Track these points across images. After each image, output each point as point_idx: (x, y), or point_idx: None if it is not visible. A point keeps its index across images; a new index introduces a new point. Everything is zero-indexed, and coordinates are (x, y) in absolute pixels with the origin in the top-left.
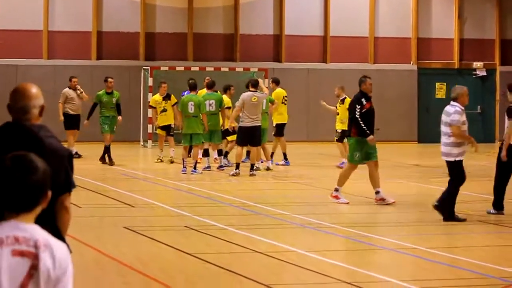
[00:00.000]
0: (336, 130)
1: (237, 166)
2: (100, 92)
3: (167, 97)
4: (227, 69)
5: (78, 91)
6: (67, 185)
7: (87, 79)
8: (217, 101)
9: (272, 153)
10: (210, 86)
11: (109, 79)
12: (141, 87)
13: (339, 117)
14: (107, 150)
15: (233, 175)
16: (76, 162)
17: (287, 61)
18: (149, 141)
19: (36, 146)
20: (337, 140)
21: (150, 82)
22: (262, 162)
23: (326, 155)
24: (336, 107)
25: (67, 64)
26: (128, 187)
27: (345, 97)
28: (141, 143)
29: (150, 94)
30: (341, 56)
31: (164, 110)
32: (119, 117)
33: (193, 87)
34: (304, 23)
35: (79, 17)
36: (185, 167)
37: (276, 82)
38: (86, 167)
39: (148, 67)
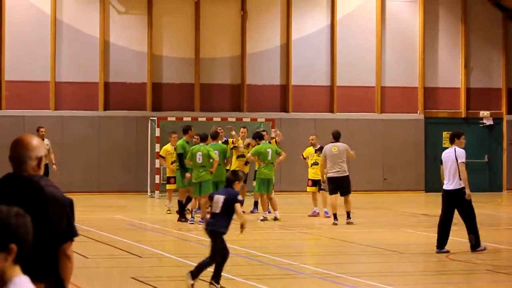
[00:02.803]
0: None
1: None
2: (182, 142)
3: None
4: (234, 119)
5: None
6: (69, 233)
7: (94, 129)
8: (221, 152)
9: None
10: (214, 137)
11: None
12: (148, 137)
13: (318, 167)
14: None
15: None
16: (80, 212)
17: (294, 111)
18: (157, 192)
19: (37, 196)
20: (320, 189)
21: (157, 132)
22: (269, 212)
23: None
24: (308, 157)
25: (74, 115)
26: (135, 238)
27: (321, 146)
28: (149, 193)
29: (157, 145)
30: (348, 106)
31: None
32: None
33: (204, 138)
34: (310, 73)
35: (86, 68)
36: (193, 217)
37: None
38: (91, 217)
39: (155, 118)
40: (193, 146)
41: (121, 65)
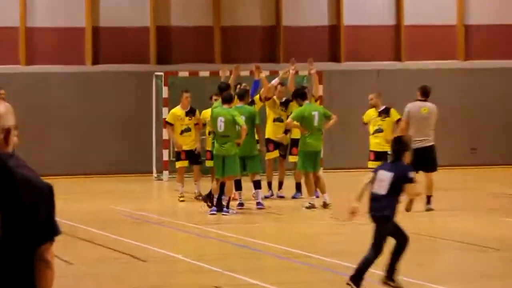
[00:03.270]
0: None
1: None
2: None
3: (191, 112)
4: (267, 73)
5: None
6: (49, 231)
7: (79, 91)
8: (249, 117)
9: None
10: (242, 96)
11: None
12: (153, 100)
13: (383, 134)
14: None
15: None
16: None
17: (347, 60)
18: (165, 172)
19: (4, 180)
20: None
21: (165, 92)
22: (317, 196)
23: None
24: (369, 122)
25: (52, 71)
26: (137, 235)
27: (387, 107)
28: (155, 175)
29: (165, 109)
30: (420, 52)
31: (188, 130)
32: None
33: (228, 99)
34: (369, 9)
35: (68, 9)
36: (215, 206)
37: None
38: (77, 208)
39: (162, 73)
40: (213, 109)
41: (114, 4)
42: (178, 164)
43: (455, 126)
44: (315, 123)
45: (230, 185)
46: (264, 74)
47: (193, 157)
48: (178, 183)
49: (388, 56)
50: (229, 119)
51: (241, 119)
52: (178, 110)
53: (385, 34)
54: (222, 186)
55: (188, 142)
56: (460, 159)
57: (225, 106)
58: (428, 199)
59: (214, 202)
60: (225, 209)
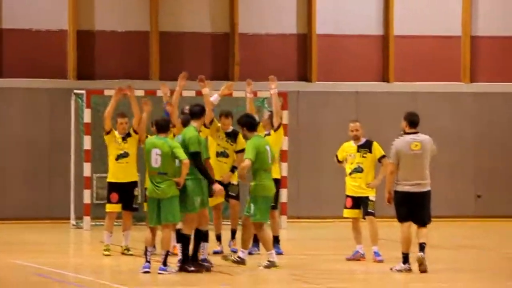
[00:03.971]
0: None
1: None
2: (194, 132)
3: (127, 135)
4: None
5: None
6: None
7: None
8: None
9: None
10: (185, 122)
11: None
12: (71, 125)
13: (363, 175)
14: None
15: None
16: None
17: (320, 80)
18: (86, 218)
19: None
20: (367, 214)
21: (87, 116)
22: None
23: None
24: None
25: None
26: None
27: (368, 141)
28: (73, 221)
29: (86, 138)
30: (412, 71)
31: (125, 155)
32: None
33: (164, 127)
34: (348, 15)
35: None
36: (149, 262)
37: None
38: None
39: (83, 91)
40: (147, 140)
41: (22, 1)
42: (109, 208)
43: (456, 165)
44: (269, 160)
45: (167, 235)
46: (208, 89)
47: (128, 199)
48: (105, 231)
49: (371, 74)
50: (166, 152)
51: (182, 152)
52: (114, 132)
53: (369, 46)
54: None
55: (123, 172)
56: (463, 207)
57: (161, 135)
58: (422, 247)
59: (148, 257)
60: (161, 266)
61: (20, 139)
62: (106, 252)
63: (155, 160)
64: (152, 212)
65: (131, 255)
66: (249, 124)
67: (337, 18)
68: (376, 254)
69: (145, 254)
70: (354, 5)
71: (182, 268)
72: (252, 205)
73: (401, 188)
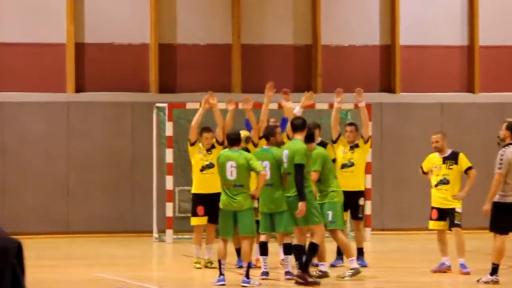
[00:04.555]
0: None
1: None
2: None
3: (212, 147)
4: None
5: None
6: None
7: (58, 125)
8: (278, 161)
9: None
10: (269, 135)
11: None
12: (153, 138)
13: (450, 187)
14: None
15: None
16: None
17: (404, 91)
18: (169, 232)
19: None
20: (454, 225)
21: (169, 130)
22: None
23: None
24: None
25: (21, 100)
26: None
27: (454, 152)
28: (155, 235)
29: (168, 151)
30: (499, 80)
31: (210, 166)
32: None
33: (235, 141)
34: (432, 26)
35: (43, 20)
36: (223, 274)
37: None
38: (53, 276)
39: (165, 104)
40: (221, 153)
41: (104, 15)
42: (196, 222)
43: None
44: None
45: (247, 248)
46: (290, 103)
47: (213, 211)
48: (194, 245)
49: (456, 85)
50: (242, 164)
51: (258, 164)
52: (198, 143)
53: (453, 57)
54: (238, 251)
55: (207, 184)
56: None
57: (234, 148)
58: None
59: (222, 269)
60: (244, 279)
61: (103, 153)
62: (198, 265)
63: (230, 173)
64: (226, 224)
65: (214, 267)
66: (307, 137)
67: (421, 28)
68: (463, 266)
69: (219, 266)
70: (438, 16)
71: (302, 277)
72: (330, 212)
73: (508, 199)
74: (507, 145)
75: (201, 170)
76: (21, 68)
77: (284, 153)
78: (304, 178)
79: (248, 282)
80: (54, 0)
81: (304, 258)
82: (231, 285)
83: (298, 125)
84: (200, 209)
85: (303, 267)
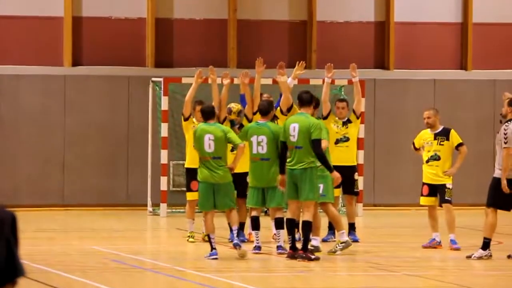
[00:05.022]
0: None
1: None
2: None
3: None
4: (295, 82)
5: None
6: (10, 271)
7: (54, 99)
8: (274, 137)
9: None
10: (265, 111)
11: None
12: (149, 113)
13: (441, 163)
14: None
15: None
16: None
17: (398, 68)
18: (163, 205)
19: None
20: (444, 201)
21: (164, 104)
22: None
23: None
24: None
25: (19, 73)
26: (126, 285)
27: (446, 128)
28: (149, 208)
29: (164, 125)
30: (492, 58)
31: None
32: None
33: (210, 114)
34: (428, 3)
35: None
36: (215, 248)
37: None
38: (49, 248)
39: (161, 79)
40: (198, 126)
41: None
42: (190, 197)
43: None
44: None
45: (235, 215)
46: (286, 77)
47: None
48: (188, 219)
49: (449, 62)
50: (220, 137)
51: (236, 136)
52: (194, 121)
53: (446, 34)
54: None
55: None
56: None
57: (210, 121)
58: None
59: (213, 244)
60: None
61: (98, 126)
62: (191, 239)
63: (208, 145)
64: (208, 197)
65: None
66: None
67: (415, 5)
68: (453, 242)
69: (210, 241)
70: None
71: (306, 256)
72: (321, 185)
73: None
74: (508, 120)
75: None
76: (18, 41)
77: (292, 126)
78: (322, 152)
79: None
80: None
81: (296, 234)
82: (224, 258)
83: (306, 99)
84: (194, 184)
85: (303, 246)
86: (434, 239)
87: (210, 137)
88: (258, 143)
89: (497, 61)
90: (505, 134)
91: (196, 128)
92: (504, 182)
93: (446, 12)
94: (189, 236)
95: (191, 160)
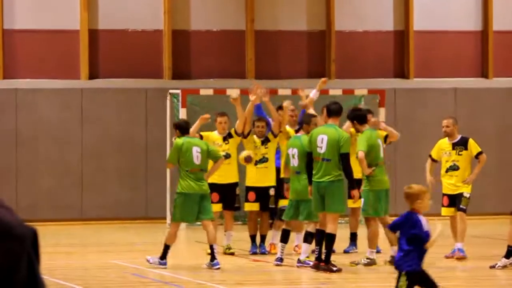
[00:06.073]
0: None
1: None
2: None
3: (229, 136)
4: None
5: None
6: (32, 287)
7: (71, 112)
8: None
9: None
10: (303, 123)
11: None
12: (167, 125)
13: (460, 173)
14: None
15: None
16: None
17: (418, 77)
18: None
19: None
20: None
21: (182, 115)
22: (378, 251)
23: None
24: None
25: (36, 87)
26: None
27: (464, 138)
28: (168, 221)
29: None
30: (510, 66)
31: (227, 156)
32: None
33: (186, 129)
34: (447, 11)
35: (56, 7)
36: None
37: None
38: (68, 263)
39: (178, 91)
40: (184, 139)
41: (118, 1)
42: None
43: None
44: (381, 154)
45: (213, 230)
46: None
47: (230, 199)
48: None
49: (470, 71)
50: (205, 150)
51: (217, 149)
52: (214, 135)
53: (466, 42)
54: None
55: (224, 174)
56: None
57: (188, 135)
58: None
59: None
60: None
61: (116, 139)
62: (229, 251)
63: (197, 157)
64: (193, 208)
65: (232, 254)
66: (358, 117)
67: (435, 14)
68: (461, 250)
69: (212, 252)
70: (451, 1)
71: (328, 268)
72: (363, 199)
73: None
74: None
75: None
76: (35, 54)
77: (321, 137)
78: (350, 166)
79: (218, 264)
80: None
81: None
82: (244, 271)
83: (335, 110)
84: (215, 196)
85: (326, 259)
86: (455, 249)
87: (198, 149)
88: (292, 156)
89: None
90: None
91: (180, 142)
92: None
93: (466, 20)
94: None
95: (214, 176)
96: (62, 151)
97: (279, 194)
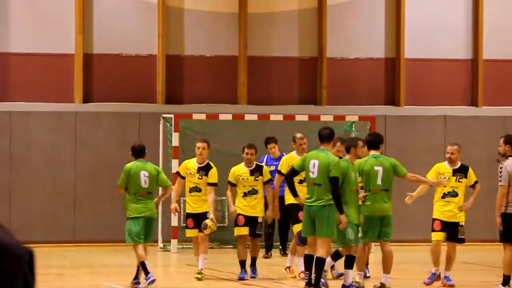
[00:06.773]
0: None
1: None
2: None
3: (206, 168)
4: (305, 118)
5: None
6: None
7: (65, 136)
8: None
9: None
10: (349, 147)
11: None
12: (160, 148)
13: (458, 200)
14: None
15: None
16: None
17: (408, 104)
18: (173, 241)
19: None
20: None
21: (175, 140)
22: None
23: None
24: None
25: (30, 109)
26: None
27: (464, 165)
28: (160, 244)
29: (175, 161)
30: (502, 95)
31: (197, 190)
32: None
33: (141, 153)
34: (437, 39)
35: (52, 31)
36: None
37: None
38: (60, 285)
39: (171, 115)
40: (133, 163)
41: (112, 26)
42: (189, 233)
43: None
44: (379, 180)
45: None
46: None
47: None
48: (194, 256)
49: (461, 98)
50: (154, 174)
51: (166, 177)
52: (190, 163)
53: (457, 70)
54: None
55: (198, 204)
56: None
57: (142, 160)
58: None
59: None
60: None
61: (110, 162)
62: (198, 276)
63: (144, 181)
64: (141, 230)
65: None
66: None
67: (425, 42)
68: (448, 279)
69: (144, 267)
70: (442, 29)
71: None
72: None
73: (509, 210)
74: (508, 157)
75: (189, 192)
76: (29, 78)
77: (312, 162)
78: (338, 191)
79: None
80: (63, 10)
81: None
82: None
83: (326, 135)
84: (189, 222)
85: (315, 282)
86: (435, 273)
87: (145, 173)
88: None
89: (507, 98)
90: (500, 172)
91: (128, 166)
92: (498, 219)
93: (456, 49)
94: (197, 273)
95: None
96: (55, 173)
97: (291, 219)
